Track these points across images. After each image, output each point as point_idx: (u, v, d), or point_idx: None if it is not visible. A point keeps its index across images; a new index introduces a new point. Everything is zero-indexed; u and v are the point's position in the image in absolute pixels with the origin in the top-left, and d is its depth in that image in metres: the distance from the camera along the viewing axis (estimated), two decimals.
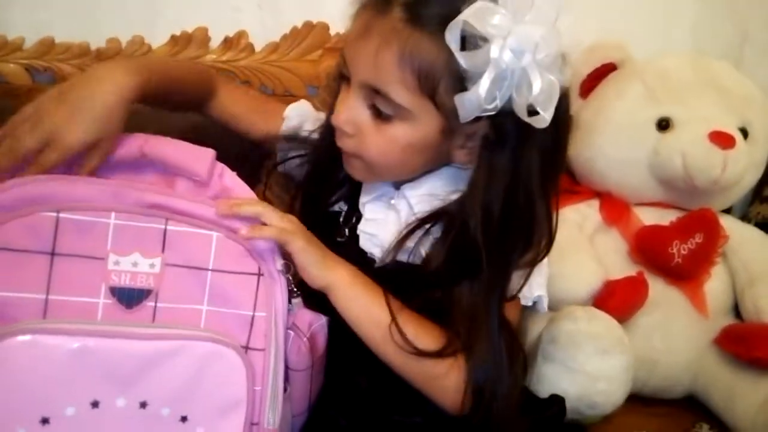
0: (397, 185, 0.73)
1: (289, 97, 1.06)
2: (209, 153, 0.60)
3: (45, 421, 0.51)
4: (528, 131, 0.60)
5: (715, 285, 1.04)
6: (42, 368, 0.50)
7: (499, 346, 0.64)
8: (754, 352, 0.94)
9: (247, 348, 0.57)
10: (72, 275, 0.53)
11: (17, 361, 0.50)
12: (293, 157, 0.80)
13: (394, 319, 0.63)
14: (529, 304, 0.73)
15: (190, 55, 1.02)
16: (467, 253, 0.64)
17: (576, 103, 1.12)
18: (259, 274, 0.58)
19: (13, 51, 0.96)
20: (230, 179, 0.61)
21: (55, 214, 0.52)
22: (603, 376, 0.88)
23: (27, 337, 0.50)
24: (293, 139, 0.80)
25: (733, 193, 1.08)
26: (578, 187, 1.12)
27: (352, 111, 0.65)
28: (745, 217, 1.19)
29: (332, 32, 1.07)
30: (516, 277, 0.68)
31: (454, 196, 0.68)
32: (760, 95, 1.09)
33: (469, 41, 0.58)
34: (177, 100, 0.74)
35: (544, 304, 0.74)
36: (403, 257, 0.68)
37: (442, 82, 0.61)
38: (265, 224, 0.59)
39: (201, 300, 0.56)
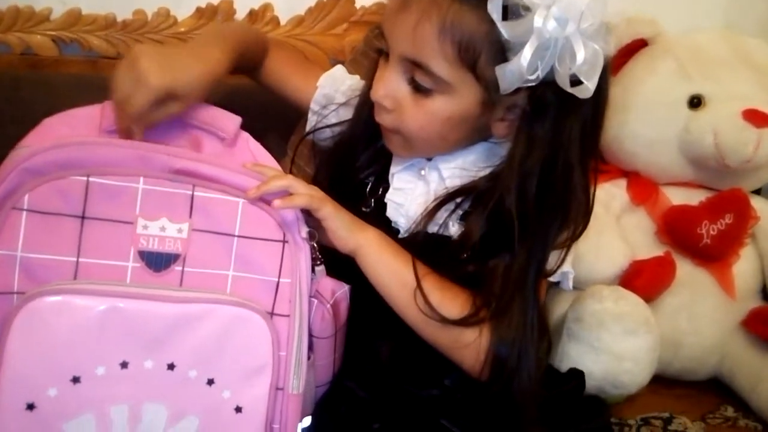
0: (430, 156, 0.72)
1: None
2: (237, 118, 0.61)
3: (76, 380, 0.52)
4: (569, 102, 0.59)
5: (744, 266, 1.02)
6: (72, 328, 0.51)
7: (531, 321, 0.64)
8: None
9: (272, 314, 0.58)
10: (102, 238, 0.53)
11: (48, 321, 0.51)
12: (322, 128, 0.79)
13: (419, 283, 0.63)
14: (556, 280, 0.72)
15: None
16: (504, 227, 0.64)
17: None
18: (284, 241, 0.58)
19: (40, 22, 0.96)
20: (255, 146, 0.62)
21: (85, 178, 0.52)
22: (629, 356, 0.87)
23: (57, 298, 0.51)
24: (323, 109, 0.79)
25: (765, 173, 1.05)
26: (605, 166, 1.10)
27: (391, 85, 0.65)
28: None
29: (357, 5, 1.05)
30: (553, 255, 0.67)
31: (486, 172, 0.68)
32: None
33: (511, 10, 0.57)
34: (244, 67, 0.75)
35: (570, 281, 0.74)
36: (432, 229, 0.68)
37: (483, 54, 0.60)
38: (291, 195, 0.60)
39: (227, 265, 0.57)
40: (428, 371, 0.69)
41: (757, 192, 1.11)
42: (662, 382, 0.97)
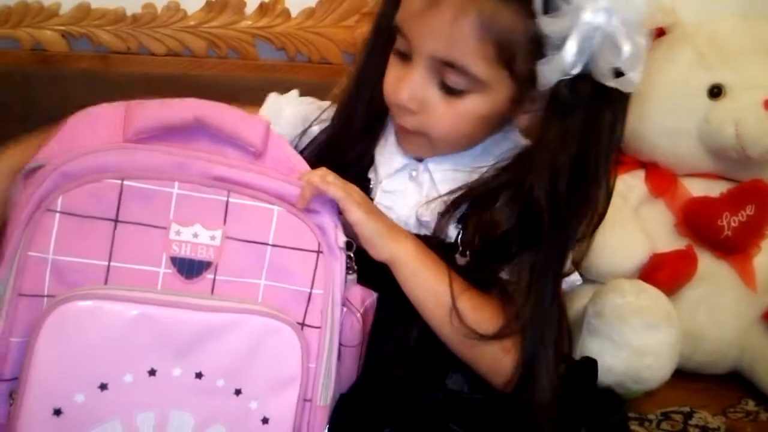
0: (421, 158, 0.70)
1: (324, 65, 1.04)
2: (263, 122, 0.58)
3: (103, 386, 0.51)
4: (602, 94, 0.58)
5: (765, 259, 1.00)
6: (101, 334, 0.51)
7: (553, 321, 0.63)
8: None
9: (303, 325, 0.57)
10: (134, 243, 0.53)
11: (78, 327, 0.50)
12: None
13: (454, 305, 0.61)
14: (565, 286, 0.71)
15: (225, 21, 1.00)
16: (532, 222, 0.62)
17: None
18: (319, 252, 0.57)
19: (49, 17, 0.95)
20: (285, 149, 0.60)
21: (119, 182, 0.52)
22: (650, 351, 0.86)
23: (88, 303, 0.50)
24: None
25: None
26: (623, 157, 1.08)
27: (417, 88, 0.62)
28: None
29: None
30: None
31: (477, 174, 0.67)
32: None
33: (551, 5, 0.55)
34: None
35: (577, 279, 0.72)
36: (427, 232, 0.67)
37: (520, 51, 0.58)
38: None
39: (259, 274, 0.56)
40: (431, 375, 0.67)
41: None
42: (682, 376, 0.96)
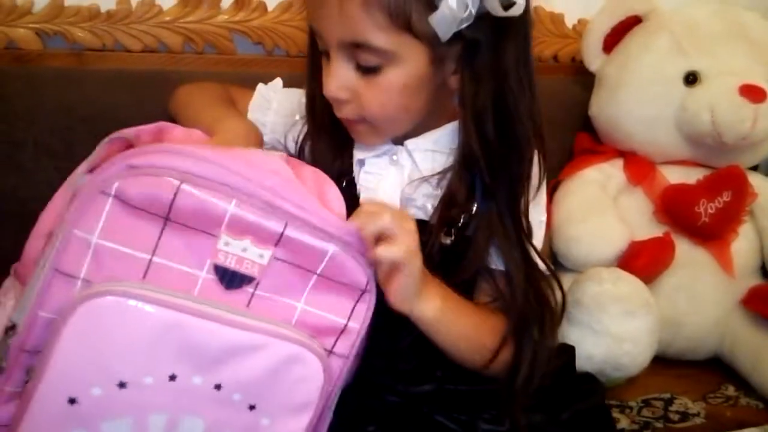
0: (400, 140, 0.71)
1: (302, 59, 1.04)
2: (279, 157, 0.58)
3: (122, 385, 0.51)
4: (500, 27, 0.60)
5: (743, 244, 1.02)
6: (130, 334, 0.50)
7: (522, 266, 0.65)
8: None
9: (330, 353, 0.57)
10: (180, 244, 0.52)
11: (107, 323, 0.49)
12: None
13: (492, 359, 0.65)
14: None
15: (202, 16, 0.99)
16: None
17: (600, 59, 1.09)
18: (365, 291, 0.57)
19: (22, 15, 0.93)
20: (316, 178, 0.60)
21: (177, 183, 0.50)
22: (629, 338, 0.87)
23: (121, 300, 0.49)
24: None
25: (763, 149, 1.05)
26: (601, 147, 1.09)
27: (340, 77, 0.64)
28: None
29: None
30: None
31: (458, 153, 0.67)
32: None
33: None
34: None
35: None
36: (418, 214, 0.68)
37: (413, 10, 0.59)
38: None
39: (299, 298, 0.55)
40: (420, 366, 0.68)
41: (755, 168, 1.11)
42: (663, 362, 0.97)
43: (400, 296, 0.58)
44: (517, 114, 0.64)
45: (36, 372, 0.49)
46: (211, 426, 0.54)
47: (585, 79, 1.12)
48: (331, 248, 0.54)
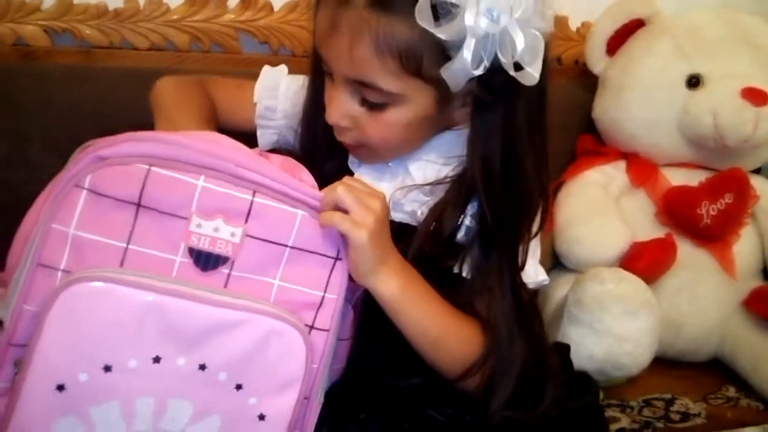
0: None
1: (307, 59, 1.04)
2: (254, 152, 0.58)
3: (108, 368, 0.51)
4: (517, 87, 0.58)
5: (744, 246, 1.02)
6: (112, 318, 0.51)
7: (509, 316, 0.64)
8: None
9: (312, 327, 0.57)
10: (154, 229, 0.53)
11: (89, 308, 0.51)
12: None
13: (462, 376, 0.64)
14: (532, 287, 0.72)
15: (208, 15, 1.00)
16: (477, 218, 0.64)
17: (603, 62, 1.10)
18: (337, 258, 0.57)
19: (31, 12, 0.94)
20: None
21: (147, 167, 0.52)
22: (630, 338, 0.87)
23: (100, 284, 0.51)
24: (269, 121, 0.79)
25: (764, 152, 1.05)
26: (604, 149, 1.10)
27: (344, 107, 0.64)
28: None
29: None
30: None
31: (449, 167, 0.68)
32: None
33: (441, 9, 0.55)
34: None
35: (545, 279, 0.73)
36: (399, 218, 0.68)
37: (425, 57, 0.58)
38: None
39: (274, 274, 0.56)
40: (407, 362, 0.67)
41: (757, 171, 1.11)
42: (664, 363, 0.98)
43: (354, 269, 0.58)
44: (524, 172, 0.64)
45: (23, 363, 0.50)
46: (200, 408, 0.54)
47: (588, 82, 1.13)
48: (299, 212, 0.55)
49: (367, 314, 0.64)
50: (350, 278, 0.59)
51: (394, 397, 0.68)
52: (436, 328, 0.63)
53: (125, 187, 0.52)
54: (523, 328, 0.65)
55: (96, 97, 0.94)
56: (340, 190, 0.55)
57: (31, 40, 0.95)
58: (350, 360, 0.64)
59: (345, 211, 0.55)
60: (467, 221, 0.67)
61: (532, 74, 0.57)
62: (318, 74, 0.68)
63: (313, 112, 0.69)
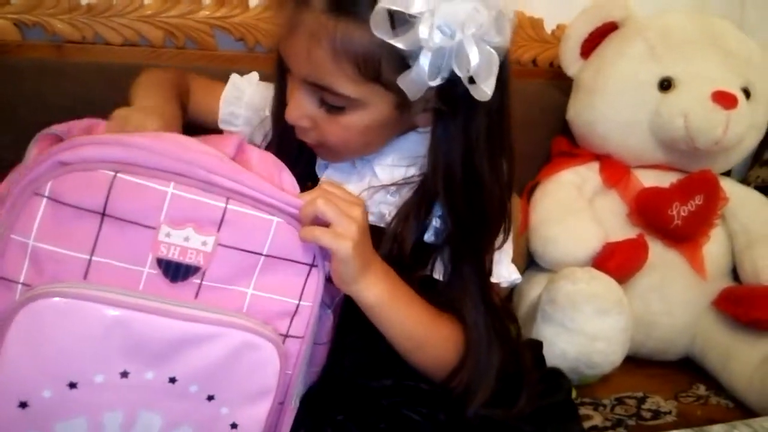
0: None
1: None
2: (235, 138, 0.57)
3: (72, 385, 0.49)
4: (472, 96, 0.58)
5: (714, 247, 1.04)
6: (76, 333, 0.48)
7: (484, 321, 0.64)
8: (752, 314, 0.95)
9: (286, 336, 0.55)
10: (119, 240, 0.50)
11: (51, 324, 0.48)
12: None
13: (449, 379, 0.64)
14: (505, 285, 0.72)
15: (183, 10, 0.99)
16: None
17: (577, 64, 1.11)
18: (313, 265, 0.55)
19: (1, 5, 0.93)
20: (257, 158, 0.58)
21: (112, 174, 0.48)
22: (601, 336, 0.88)
23: (64, 300, 0.48)
24: (231, 126, 0.79)
25: (734, 154, 1.07)
26: (577, 150, 1.11)
27: (303, 107, 0.63)
28: (744, 181, 1.19)
29: None
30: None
31: (415, 167, 0.67)
32: (762, 55, 1.08)
33: (398, 20, 0.54)
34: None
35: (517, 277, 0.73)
36: (372, 220, 0.67)
37: (384, 63, 0.57)
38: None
39: (248, 284, 0.53)
40: (379, 363, 0.67)
41: (727, 174, 1.13)
42: (635, 362, 0.99)
43: (337, 278, 0.57)
44: (484, 183, 0.63)
45: None
46: (170, 420, 0.52)
47: (563, 84, 1.14)
48: (275, 220, 0.52)
49: (341, 316, 0.63)
50: (331, 283, 0.59)
51: (368, 398, 0.68)
52: (420, 330, 0.63)
53: (89, 195, 0.48)
54: (498, 332, 0.65)
55: (68, 93, 0.92)
56: (320, 203, 0.54)
57: (1, 33, 0.94)
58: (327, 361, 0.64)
59: (326, 223, 0.54)
60: (434, 222, 0.67)
61: (484, 90, 0.56)
62: (283, 73, 0.67)
63: (281, 110, 0.68)
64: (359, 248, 0.55)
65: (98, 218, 0.49)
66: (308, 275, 0.55)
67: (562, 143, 1.13)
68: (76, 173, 0.48)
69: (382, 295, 0.59)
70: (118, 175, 0.48)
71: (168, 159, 0.50)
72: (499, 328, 0.65)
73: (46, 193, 0.48)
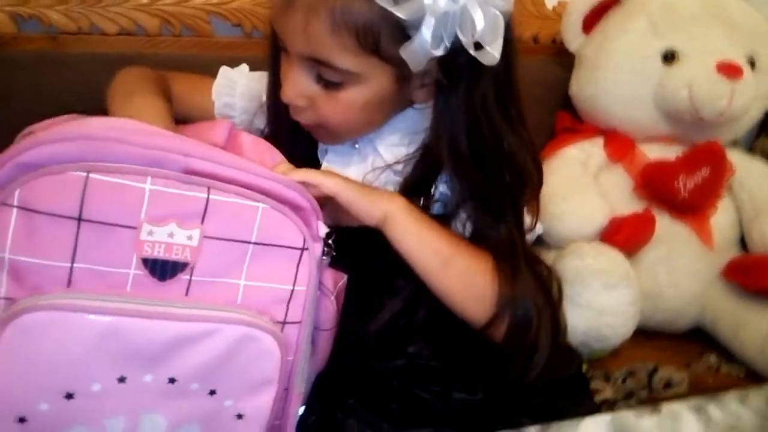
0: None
1: None
2: (225, 123, 0.56)
3: (69, 396, 0.48)
4: (480, 63, 0.57)
5: (721, 218, 1.03)
6: (67, 345, 0.47)
7: (530, 278, 0.63)
8: (761, 282, 0.95)
9: (284, 323, 0.54)
10: (100, 244, 0.47)
11: (40, 338, 0.46)
12: None
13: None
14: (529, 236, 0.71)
15: None
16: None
17: (579, 40, 1.10)
18: (303, 248, 0.53)
19: None
20: (249, 143, 0.57)
21: (84, 175, 0.46)
22: (610, 311, 0.88)
23: (51, 313, 0.46)
24: (228, 117, 0.78)
25: (740, 125, 1.06)
26: (581, 125, 1.10)
27: (300, 85, 0.62)
28: (750, 151, 1.18)
29: None
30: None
31: (416, 143, 0.67)
32: (767, 25, 1.06)
33: None
34: None
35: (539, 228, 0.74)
36: None
37: (383, 35, 0.57)
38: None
39: (239, 275, 0.52)
40: (390, 344, 0.67)
41: (733, 144, 1.12)
42: (645, 334, 0.98)
43: (361, 209, 0.58)
44: (496, 150, 0.63)
45: None
46: (174, 419, 0.52)
47: (565, 60, 1.13)
48: (260, 206, 0.51)
49: (346, 301, 0.62)
50: (334, 269, 0.58)
51: (379, 380, 0.68)
52: (447, 244, 0.61)
53: (61, 200, 0.46)
54: (544, 283, 0.65)
55: (64, 84, 0.92)
56: (303, 171, 0.55)
57: None
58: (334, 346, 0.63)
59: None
60: (440, 190, 0.66)
61: (492, 54, 0.55)
62: (277, 53, 0.66)
63: (276, 93, 0.67)
64: (350, 182, 0.57)
65: (75, 224, 0.46)
66: (300, 259, 0.54)
67: (565, 119, 1.12)
68: (44, 177, 0.45)
69: (403, 205, 0.60)
70: (91, 175, 0.46)
71: (141, 149, 0.47)
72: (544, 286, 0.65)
73: (15, 203, 0.45)
